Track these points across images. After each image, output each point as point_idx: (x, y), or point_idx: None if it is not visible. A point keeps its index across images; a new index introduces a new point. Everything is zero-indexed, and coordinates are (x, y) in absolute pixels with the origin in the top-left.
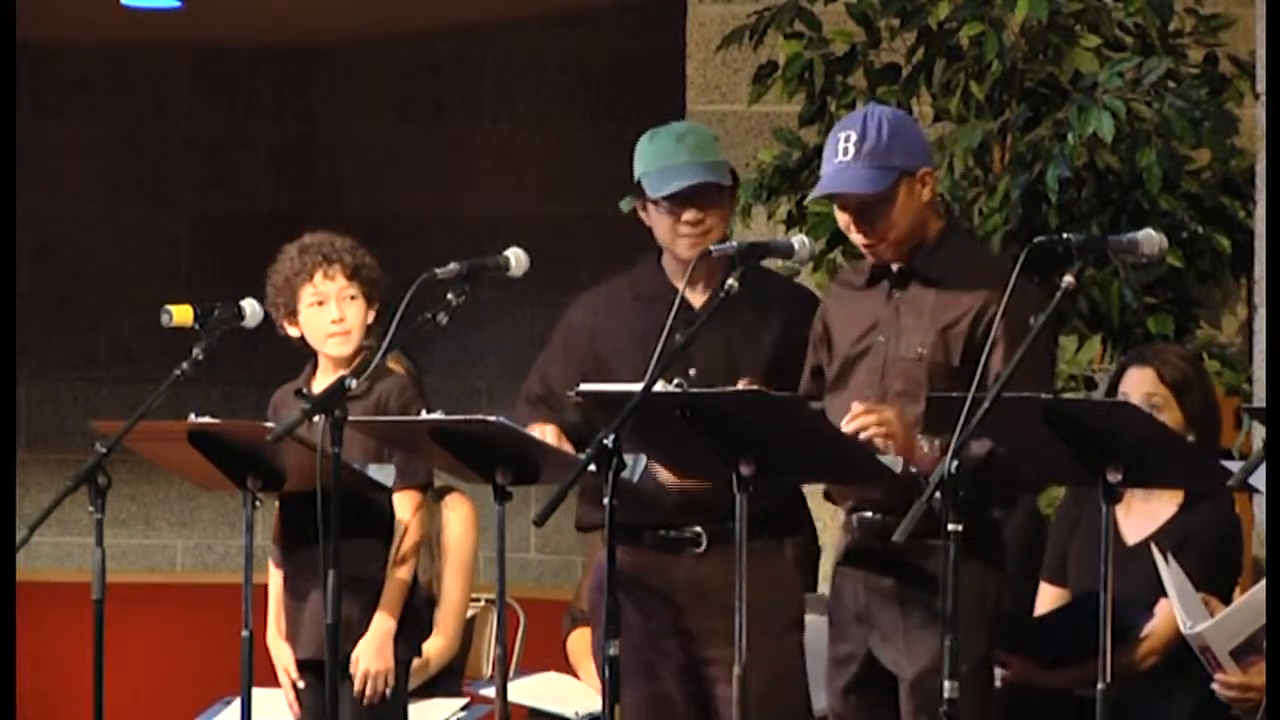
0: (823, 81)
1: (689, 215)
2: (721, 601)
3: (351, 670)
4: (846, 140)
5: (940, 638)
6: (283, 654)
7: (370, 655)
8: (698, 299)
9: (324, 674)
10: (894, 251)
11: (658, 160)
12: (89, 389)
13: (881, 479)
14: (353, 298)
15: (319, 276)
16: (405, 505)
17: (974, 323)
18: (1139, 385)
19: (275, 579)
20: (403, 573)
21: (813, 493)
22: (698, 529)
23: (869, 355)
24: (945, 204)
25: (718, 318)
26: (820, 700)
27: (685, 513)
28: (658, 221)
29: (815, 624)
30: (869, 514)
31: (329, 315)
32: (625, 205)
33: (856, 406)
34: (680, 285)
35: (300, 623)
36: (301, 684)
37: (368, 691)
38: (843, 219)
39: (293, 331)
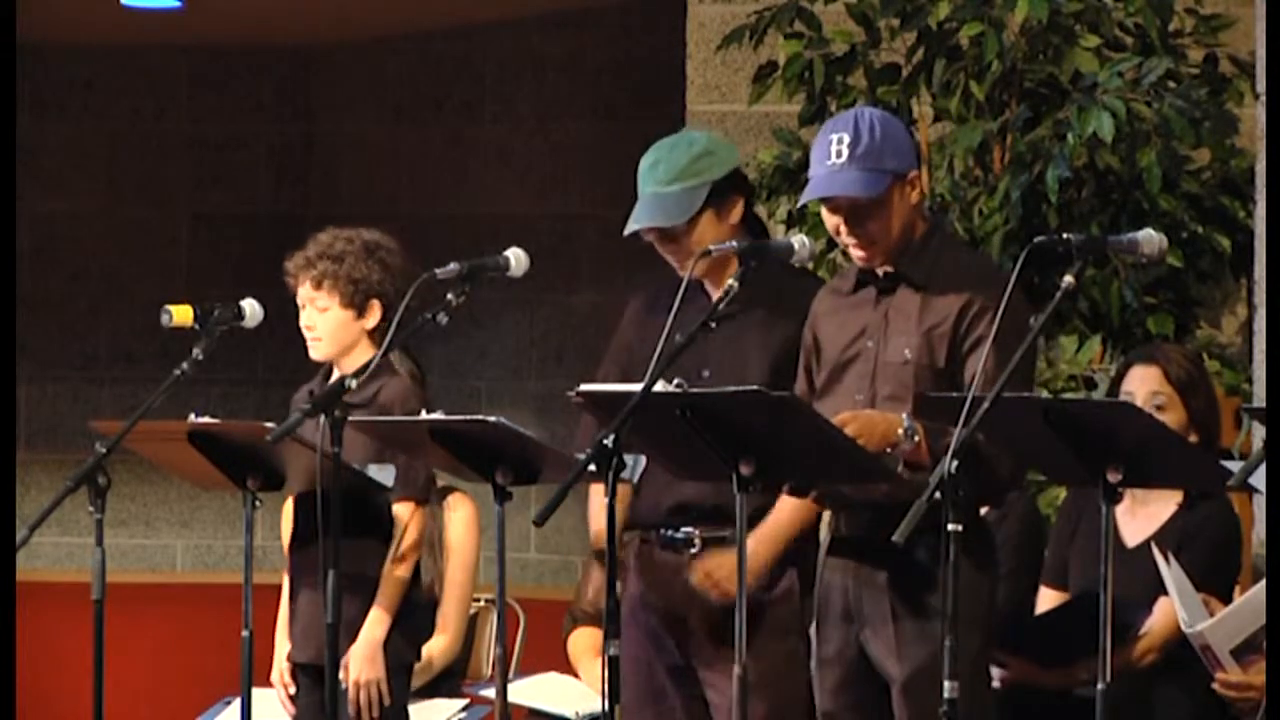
0: (823, 81)
1: (663, 247)
2: (714, 605)
3: (342, 678)
4: (839, 142)
5: (931, 637)
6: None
7: (360, 663)
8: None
9: (316, 676)
10: (885, 256)
11: (640, 186)
12: (89, 389)
13: (881, 478)
14: (323, 308)
15: (303, 281)
16: (400, 517)
17: (956, 323)
18: (1144, 383)
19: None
20: (400, 572)
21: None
22: (691, 530)
23: (858, 361)
24: (931, 206)
25: (732, 316)
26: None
27: (680, 514)
28: None
29: None
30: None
31: (303, 320)
32: None
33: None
34: (707, 284)
35: (295, 624)
36: (293, 688)
37: (361, 700)
38: (832, 222)
39: None
